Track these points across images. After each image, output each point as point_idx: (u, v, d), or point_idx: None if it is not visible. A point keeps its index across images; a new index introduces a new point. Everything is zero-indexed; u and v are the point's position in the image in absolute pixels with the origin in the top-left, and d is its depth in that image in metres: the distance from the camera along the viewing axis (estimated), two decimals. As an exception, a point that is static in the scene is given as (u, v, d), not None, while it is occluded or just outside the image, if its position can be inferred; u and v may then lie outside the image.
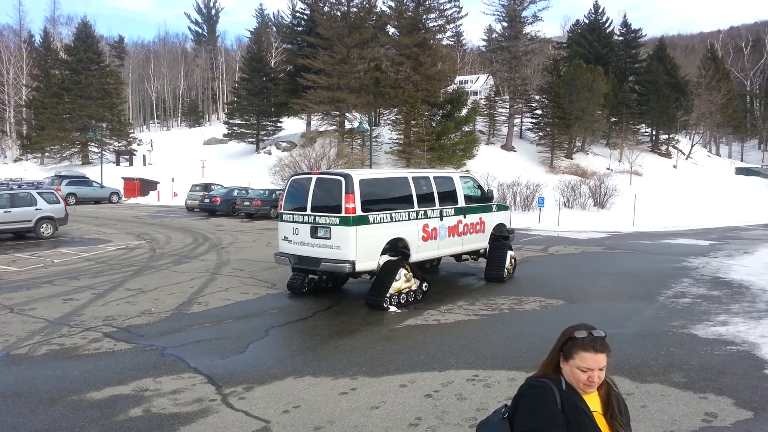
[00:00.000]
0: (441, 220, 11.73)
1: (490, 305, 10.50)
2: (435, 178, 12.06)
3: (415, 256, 11.17)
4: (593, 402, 2.44)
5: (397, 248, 10.92)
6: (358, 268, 10.19)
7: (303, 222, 10.63)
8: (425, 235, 11.33)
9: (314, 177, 10.95)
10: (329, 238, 10.24)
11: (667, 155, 70.34)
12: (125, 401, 6.07)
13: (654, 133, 71.94)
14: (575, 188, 33.68)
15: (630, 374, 6.76)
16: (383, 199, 10.87)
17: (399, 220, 10.82)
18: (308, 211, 10.56)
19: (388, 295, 10.20)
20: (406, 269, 10.66)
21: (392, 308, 10.15)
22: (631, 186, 43.38)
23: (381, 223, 10.49)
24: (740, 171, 68.85)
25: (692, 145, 73.90)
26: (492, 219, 13.43)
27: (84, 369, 7.10)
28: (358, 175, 10.54)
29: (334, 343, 8.27)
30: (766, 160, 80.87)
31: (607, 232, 23.90)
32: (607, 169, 57.68)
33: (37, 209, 20.02)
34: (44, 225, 20.17)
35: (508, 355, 7.57)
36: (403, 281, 10.50)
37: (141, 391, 6.34)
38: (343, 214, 10.03)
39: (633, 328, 8.90)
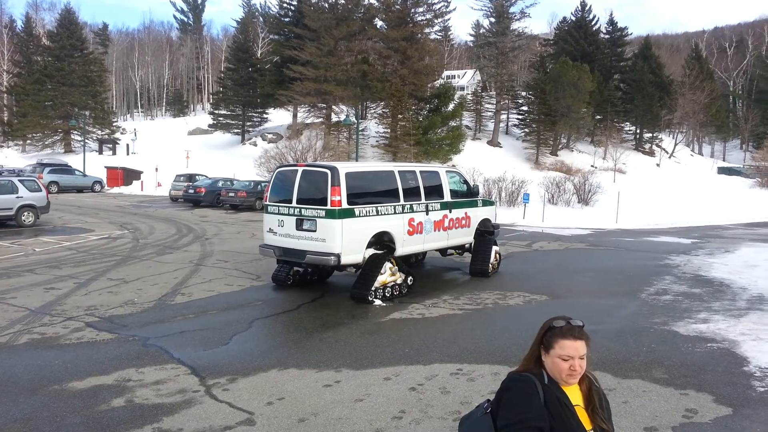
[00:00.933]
0: (427, 214, 11.71)
1: (475, 300, 10.55)
2: (421, 172, 12.06)
3: (401, 250, 11.16)
4: (575, 396, 2.45)
5: (382, 242, 10.90)
6: (344, 261, 10.18)
7: (288, 214, 10.57)
8: (411, 229, 11.32)
9: (300, 169, 10.90)
10: (315, 231, 10.20)
11: (651, 153, 71.09)
12: (107, 391, 6.01)
13: (638, 131, 72.66)
14: (560, 185, 33.88)
15: (612, 370, 6.84)
16: (369, 192, 10.84)
17: (385, 214, 10.79)
18: (294, 203, 10.50)
19: (373, 288, 10.17)
20: (392, 263, 10.63)
21: (377, 302, 10.15)
22: (614, 183, 43.75)
23: (366, 216, 10.45)
24: (722, 170, 69.76)
25: (675, 144, 74.73)
26: (477, 214, 13.44)
27: (66, 358, 7.02)
28: (344, 167, 10.48)
29: (319, 335, 8.27)
30: (747, 160, 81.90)
31: (591, 228, 24.09)
32: (592, 166, 58.15)
33: (18, 197, 19.73)
34: (25, 213, 19.89)
35: (491, 350, 7.61)
36: (388, 275, 10.48)
37: (123, 382, 6.28)
38: (328, 206, 9.99)
39: (615, 324, 8.99)
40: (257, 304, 10.09)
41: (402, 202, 11.16)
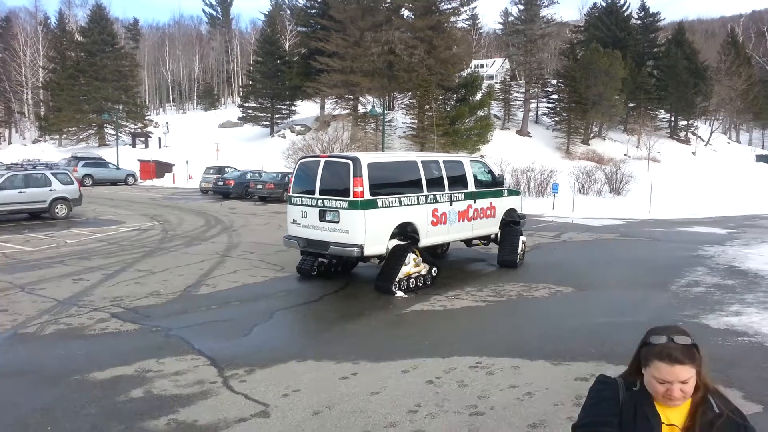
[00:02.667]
0: (451, 204, 11.61)
1: (499, 292, 10.40)
2: (444, 162, 11.94)
3: (425, 240, 11.10)
4: (674, 414, 2.16)
5: (406, 233, 10.83)
6: (367, 252, 10.13)
7: (311, 205, 10.56)
8: (434, 220, 11.24)
9: (322, 160, 10.90)
10: (338, 222, 10.18)
11: (686, 142, 69.30)
12: (127, 382, 6.08)
13: (672, 119, 70.80)
14: (591, 174, 33.25)
15: (637, 363, 6.65)
16: (392, 183, 10.76)
17: (408, 204, 10.71)
18: (317, 195, 10.47)
19: (396, 279, 10.12)
20: (415, 254, 10.55)
21: (399, 293, 10.06)
22: (648, 173, 42.82)
23: (389, 207, 10.39)
24: (761, 158, 67.65)
25: (711, 132, 72.68)
26: (503, 204, 13.29)
27: (89, 349, 7.13)
28: (366, 158, 10.42)
29: (339, 327, 8.24)
30: (787, 148, 79.44)
31: (623, 219, 23.60)
32: (625, 155, 56.92)
33: (51, 190, 20.18)
34: (59, 205, 20.33)
35: (512, 343, 7.48)
36: (412, 266, 10.40)
37: (143, 372, 6.35)
38: (351, 197, 9.95)
39: (643, 317, 8.75)
40: (280, 295, 10.12)
41: (425, 192, 11.07)
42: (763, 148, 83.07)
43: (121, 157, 46.74)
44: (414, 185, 10.99)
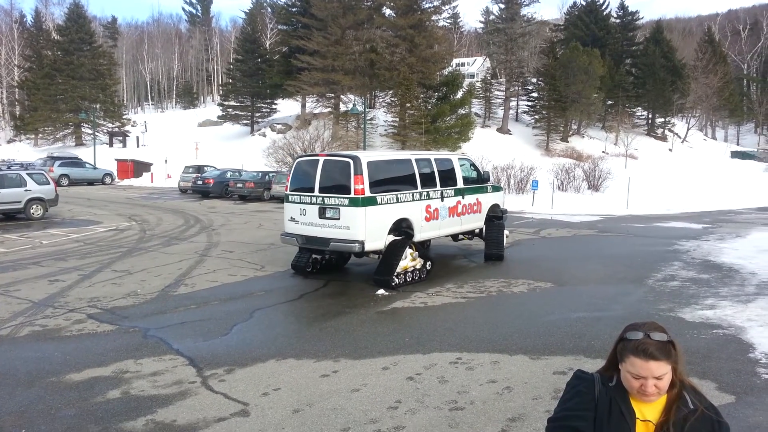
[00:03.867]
0: (442, 200, 12.04)
1: (479, 288, 10.46)
2: (436, 159, 12.37)
3: (419, 235, 11.46)
4: (649, 410, 2.16)
5: (400, 228, 11.15)
6: (367, 247, 10.41)
7: (311, 203, 10.78)
8: (428, 216, 11.65)
9: (321, 159, 11.09)
10: (338, 219, 10.43)
11: (663, 139, 70.24)
12: (104, 383, 6.01)
13: (650, 116, 71.73)
14: (569, 171, 33.59)
15: (614, 357, 6.72)
16: (389, 180, 11.04)
17: (404, 201, 11.09)
18: (316, 192, 10.70)
19: (395, 273, 10.39)
20: (412, 248, 10.90)
21: (381, 291, 10.10)
22: (626, 169, 43.32)
23: (388, 203, 10.75)
24: (736, 155, 68.86)
25: (688, 129, 73.78)
26: (487, 199, 13.78)
27: (65, 350, 7.04)
28: (366, 156, 10.73)
29: (319, 325, 8.22)
30: (761, 144, 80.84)
31: (601, 215, 23.87)
32: (603, 152, 57.58)
33: (26, 190, 19.86)
34: (34, 206, 20.02)
35: (492, 338, 7.53)
36: (409, 260, 10.75)
37: (121, 373, 6.28)
38: (352, 195, 10.23)
39: (619, 311, 8.87)
40: (260, 294, 10.07)
41: (419, 189, 11.47)
42: (738, 144, 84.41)
43: (99, 156, 46.13)
44: (409, 182, 11.35)
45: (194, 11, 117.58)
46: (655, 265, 12.61)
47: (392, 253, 10.61)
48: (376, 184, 10.50)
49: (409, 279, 10.69)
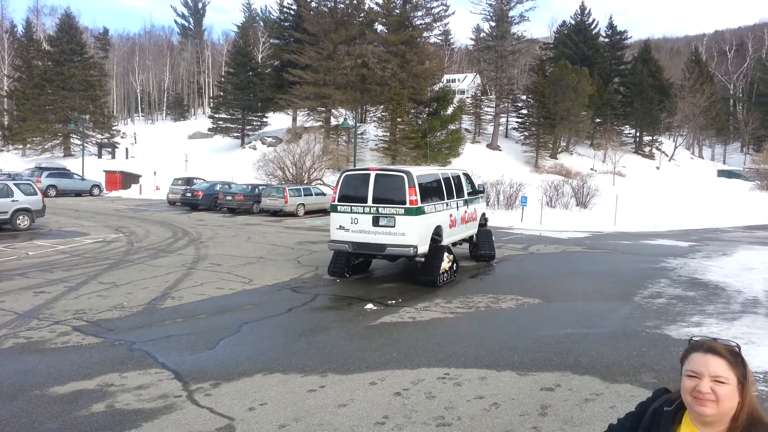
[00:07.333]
0: (458, 210, 13.83)
1: (467, 303, 10.47)
2: (452, 174, 14.17)
3: (444, 240, 12.81)
4: None
5: (434, 234, 12.37)
6: (419, 251, 11.68)
7: (363, 212, 11.82)
8: (450, 223, 13.30)
9: (373, 173, 12.13)
10: (393, 226, 11.60)
11: (651, 157, 70.90)
12: (88, 396, 5.94)
13: (638, 134, 72.46)
14: (558, 188, 33.81)
15: (600, 374, 6.75)
16: (428, 192, 12.34)
17: (439, 211, 12.70)
18: (369, 203, 11.77)
19: (439, 273, 11.72)
20: (448, 252, 12.28)
21: (369, 305, 10.10)
22: (613, 186, 43.66)
23: (432, 213, 12.28)
24: (722, 173, 69.59)
25: (675, 147, 74.56)
26: (480, 208, 15.83)
27: (49, 363, 6.96)
28: (415, 172, 12.03)
29: (307, 339, 8.19)
30: (747, 163, 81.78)
31: (589, 231, 24.00)
32: (591, 169, 58.00)
33: (13, 201, 19.71)
34: (21, 217, 19.86)
35: (480, 354, 7.53)
36: (446, 262, 12.05)
37: (106, 386, 6.21)
38: (407, 205, 11.51)
39: (607, 328, 8.90)
40: (247, 308, 10.02)
41: (446, 200, 13.13)
42: (725, 163, 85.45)
43: (87, 167, 45.87)
44: (438, 194, 12.90)
45: (186, 24, 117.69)
46: (642, 282, 12.68)
47: (435, 256, 11.93)
48: (422, 196, 11.82)
49: (446, 279, 12.06)
